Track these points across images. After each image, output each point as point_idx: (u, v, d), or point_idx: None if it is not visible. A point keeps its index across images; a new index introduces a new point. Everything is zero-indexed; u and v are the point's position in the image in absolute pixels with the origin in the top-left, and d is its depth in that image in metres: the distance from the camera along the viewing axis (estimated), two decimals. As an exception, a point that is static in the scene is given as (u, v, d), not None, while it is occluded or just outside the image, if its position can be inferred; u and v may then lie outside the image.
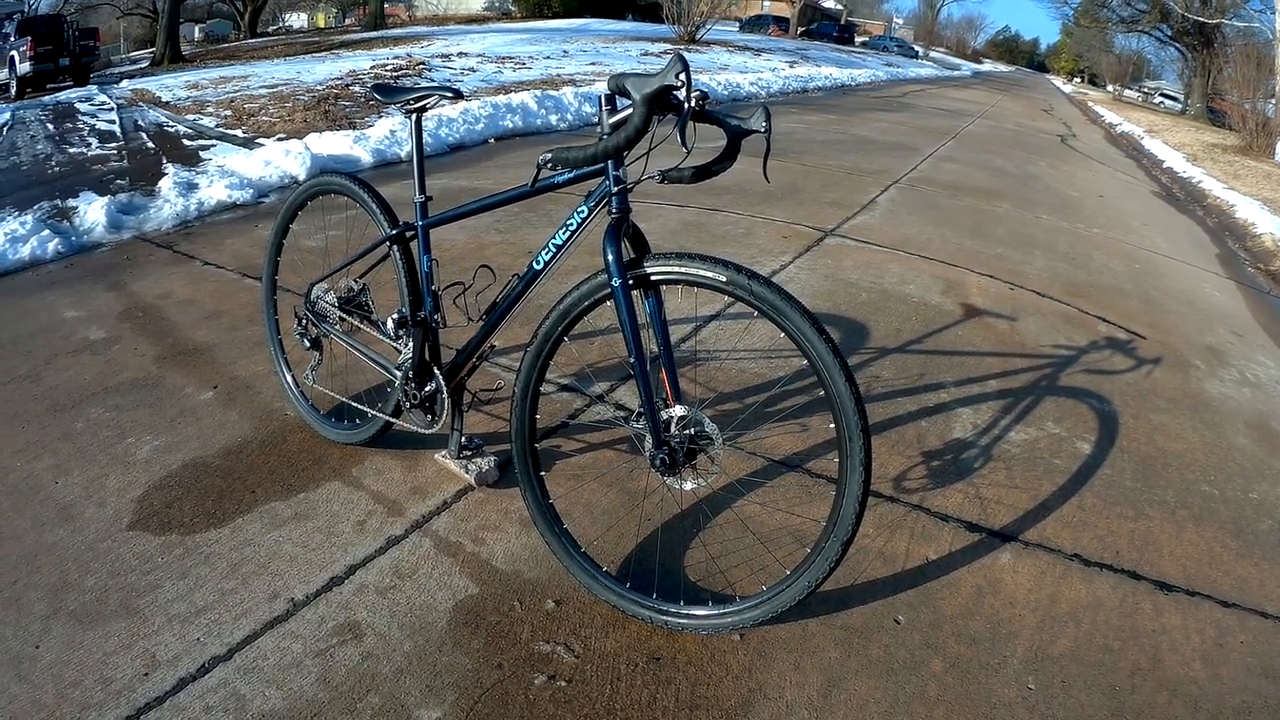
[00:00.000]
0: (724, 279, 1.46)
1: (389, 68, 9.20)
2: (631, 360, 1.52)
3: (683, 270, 1.50)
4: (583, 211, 1.59)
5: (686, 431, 1.55)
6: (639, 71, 1.41)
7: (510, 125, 6.36)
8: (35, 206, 3.79)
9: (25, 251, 3.35)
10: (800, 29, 37.16)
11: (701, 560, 1.80)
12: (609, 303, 1.55)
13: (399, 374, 1.92)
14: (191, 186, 4.07)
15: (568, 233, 1.61)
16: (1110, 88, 54.26)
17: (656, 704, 1.46)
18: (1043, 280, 3.97)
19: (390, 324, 1.88)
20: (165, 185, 4.02)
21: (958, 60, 53.61)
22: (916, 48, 47.66)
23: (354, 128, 5.69)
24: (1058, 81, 58.18)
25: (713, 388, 2.51)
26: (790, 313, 1.43)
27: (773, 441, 2.26)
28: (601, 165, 1.54)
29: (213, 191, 4.08)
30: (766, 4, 47.10)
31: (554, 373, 2.47)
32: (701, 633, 1.61)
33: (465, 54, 11.64)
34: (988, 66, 60.56)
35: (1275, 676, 1.63)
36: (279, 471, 2.03)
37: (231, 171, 4.38)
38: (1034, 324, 3.33)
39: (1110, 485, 2.21)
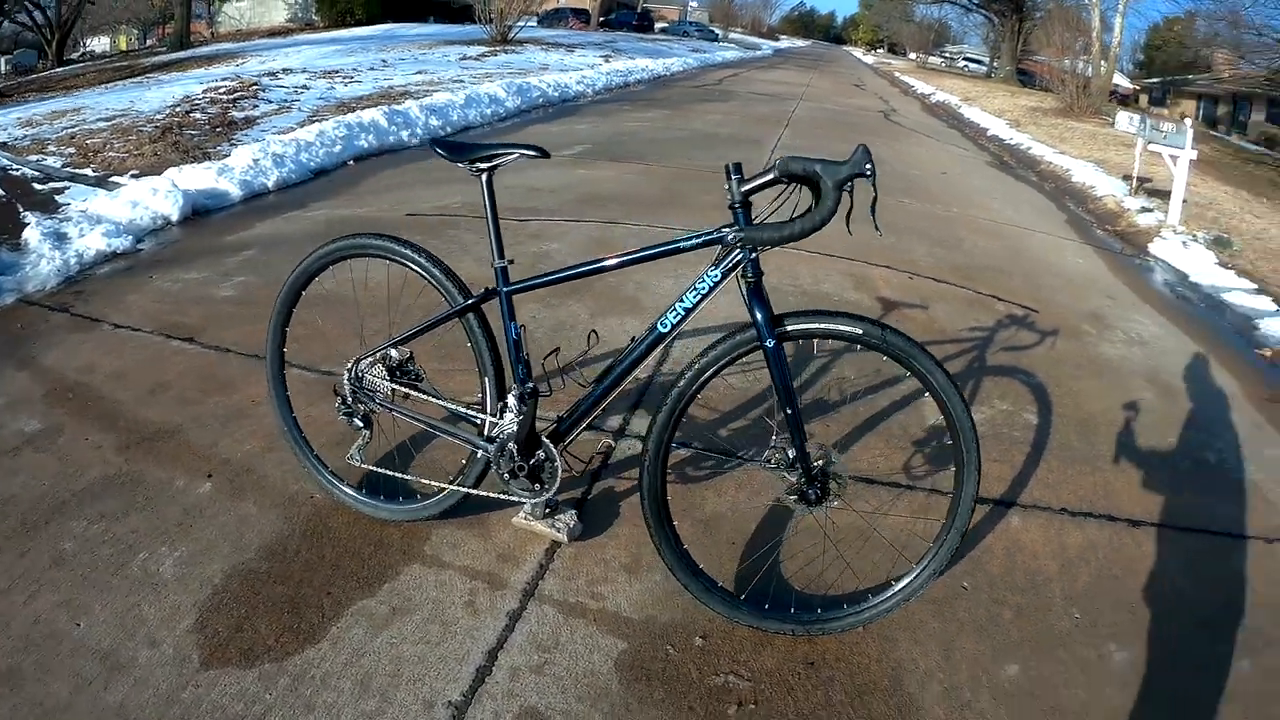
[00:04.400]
0: (860, 331, 1.66)
1: (222, 90, 8.40)
2: (788, 411, 1.67)
3: (823, 326, 1.68)
4: (715, 276, 1.69)
5: (819, 464, 1.73)
6: (815, 156, 1.56)
7: (365, 145, 6.11)
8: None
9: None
10: (599, 20, 36.96)
11: (799, 569, 1.98)
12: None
13: (491, 446, 1.87)
14: (61, 237, 3.44)
15: (698, 296, 1.70)
16: (913, 56, 56.37)
17: (833, 701, 1.65)
18: (933, 266, 4.42)
19: (512, 399, 1.82)
20: (33, 237, 3.39)
21: (757, 39, 54.85)
22: (715, 30, 48.60)
23: (208, 158, 5.19)
24: (858, 53, 60.23)
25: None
26: (919, 355, 1.67)
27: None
28: (725, 233, 1.66)
29: (89, 241, 3.50)
30: (563, -3, 45.83)
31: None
32: (841, 631, 1.80)
33: (289, 70, 10.83)
34: (785, 43, 62.44)
35: (1231, 575, 2.15)
36: (344, 564, 1.89)
37: (99, 216, 3.74)
38: (944, 310, 3.78)
39: (1064, 448, 2.68)
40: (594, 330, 1.95)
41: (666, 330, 1.73)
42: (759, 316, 1.64)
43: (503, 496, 1.92)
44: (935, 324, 3.58)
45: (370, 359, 1.96)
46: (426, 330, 1.91)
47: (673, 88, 14.72)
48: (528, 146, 1.80)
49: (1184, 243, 6.02)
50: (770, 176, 1.59)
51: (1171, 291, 5.00)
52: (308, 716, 1.51)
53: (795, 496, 1.74)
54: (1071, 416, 2.90)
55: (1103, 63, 18.42)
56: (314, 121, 6.56)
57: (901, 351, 1.66)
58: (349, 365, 1.96)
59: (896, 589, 1.79)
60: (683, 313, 1.71)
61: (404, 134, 6.58)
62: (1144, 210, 6.99)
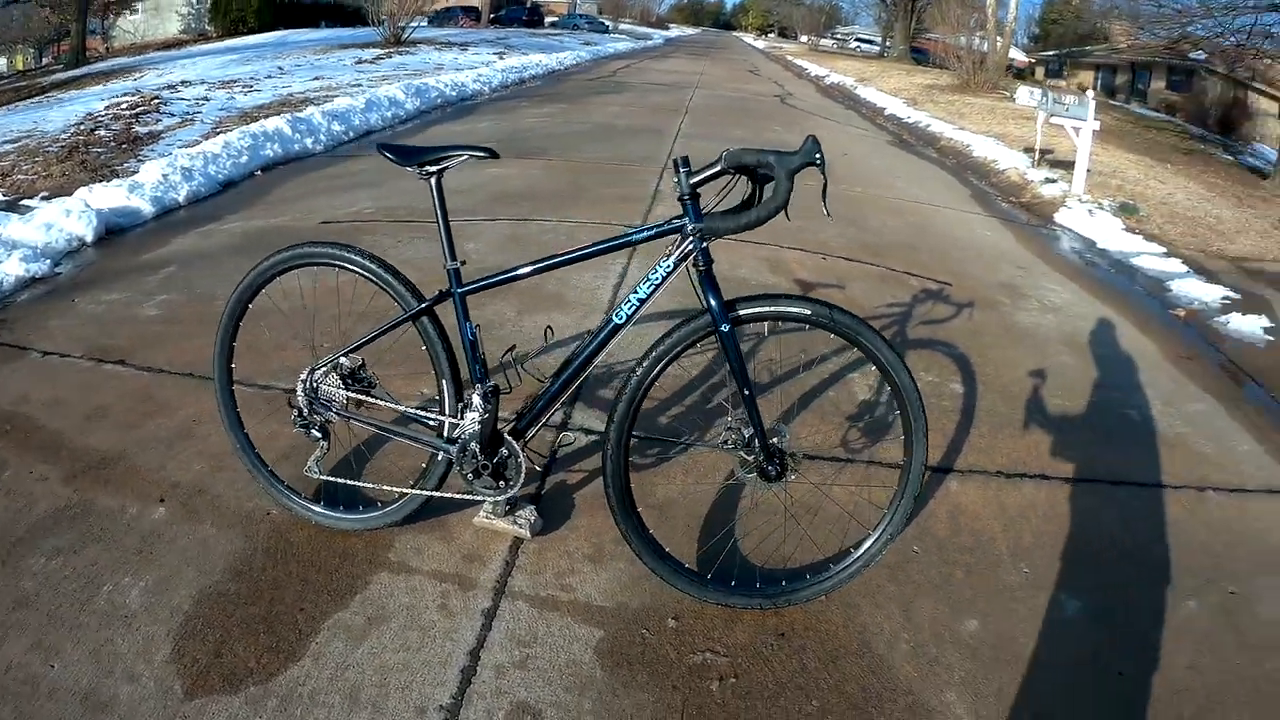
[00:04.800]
0: (809, 312, 1.73)
1: (124, 106, 8.25)
2: (745, 392, 1.73)
3: (774, 309, 1.74)
4: (667, 266, 1.73)
5: (774, 441, 1.80)
6: (759, 147, 1.61)
7: (271, 154, 5.99)
8: None
9: None
10: (490, 17, 36.49)
11: (756, 546, 2.05)
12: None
13: (453, 447, 1.88)
14: (-22, 264, 3.21)
15: (651, 287, 1.75)
16: (804, 39, 56.82)
17: (808, 667, 1.73)
18: (844, 246, 4.54)
19: (476, 398, 1.83)
20: (-51, 266, 3.18)
21: (647, 29, 55.20)
22: (606, 22, 48.42)
23: (117, 175, 5.06)
24: (748, 38, 60.70)
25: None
26: (865, 332, 1.75)
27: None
28: (681, 224, 1.70)
29: (7, 267, 3.34)
30: (453, -5, 44.86)
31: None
32: (806, 601, 1.87)
33: (188, 82, 10.66)
34: (676, 32, 63.22)
35: (1169, 522, 2.32)
36: (311, 579, 1.87)
37: (14, 241, 3.56)
38: (861, 288, 3.90)
39: (992, 413, 2.82)
40: (549, 326, 1.97)
41: (622, 321, 1.77)
42: (713, 303, 1.70)
43: (466, 497, 1.94)
44: (854, 302, 3.70)
45: (324, 368, 1.94)
46: (381, 335, 1.89)
47: (568, 81, 14.66)
48: (475, 147, 1.81)
49: (1090, 211, 6.30)
50: (718, 168, 1.64)
51: (1081, 259, 5.25)
52: (301, 734, 1.50)
53: (755, 474, 1.80)
54: (996, 383, 3.06)
55: (998, 38, 18.89)
56: (218, 133, 6.47)
57: (848, 329, 1.74)
58: (303, 376, 1.94)
59: (856, 555, 1.88)
60: (637, 304, 1.75)
61: (308, 141, 6.53)
62: (1048, 181, 7.24)
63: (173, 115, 7.69)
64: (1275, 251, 6.38)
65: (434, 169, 1.82)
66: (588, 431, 2.50)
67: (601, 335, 1.79)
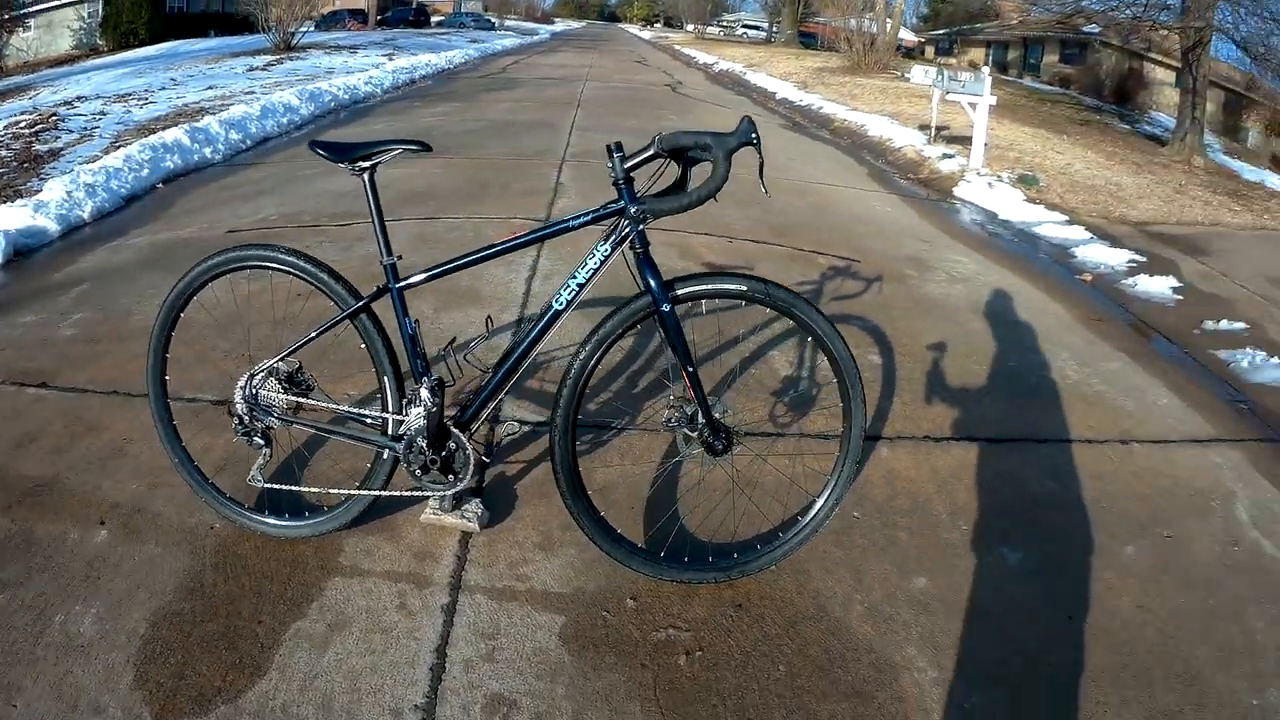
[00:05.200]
0: (745, 288, 1.80)
1: (22, 124, 7.99)
2: (689, 369, 1.79)
3: (711, 287, 1.81)
4: (605, 250, 1.77)
5: (716, 415, 1.85)
6: (696, 130, 1.68)
7: (172, 165, 5.90)
8: None
9: None
10: (377, 19, 35.78)
11: (702, 521, 2.11)
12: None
13: (399, 444, 1.88)
14: (-111, 295, 2.98)
15: (590, 272, 1.78)
16: (690, 28, 57.68)
17: (769, 635, 1.80)
18: (749, 228, 4.64)
19: (425, 392, 1.82)
20: None
21: (533, 25, 55.37)
22: (492, 19, 48.31)
23: (20, 195, 4.89)
24: (634, 30, 61.40)
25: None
26: (800, 305, 1.83)
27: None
28: (620, 207, 1.74)
29: None
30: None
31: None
32: (759, 571, 1.94)
33: (83, 97, 10.34)
34: (561, 26, 63.67)
35: (1097, 475, 2.47)
36: (265, 590, 1.84)
37: None
38: (770, 268, 3.95)
39: (911, 382, 2.95)
40: (489, 316, 1.98)
41: (562, 307, 1.80)
42: (652, 284, 1.75)
43: (416, 494, 1.95)
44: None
45: (262, 374, 1.91)
46: (319, 335, 1.87)
47: (459, 80, 14.50)
48: (408, 141, 1.83)
49: (989, 184, 6.55)
50: (650, 152, 1.69)
51: (984, 230, 5.46)
52: (277, 750, 1.48)
53: (701, 449, 1.85)
54: (912, 353, 3.19)
55: (888, 19, 19.22)
56: (118, 147, 6.32)
57: (784, 303, 1.81)
58: (241, 383, 1.90)
59: (805, 521, 1.95)
60: (576, 289, 1.79)
61: (207, 151, 6.48)
62: (945, 157, 7.48)
63: (71, 131, 7.48)
64: (1178, 215, 6.73)
65: (367, 164, 1.83)
66: (521, 422, 2.49)
67: (542, 322, 1.82)
